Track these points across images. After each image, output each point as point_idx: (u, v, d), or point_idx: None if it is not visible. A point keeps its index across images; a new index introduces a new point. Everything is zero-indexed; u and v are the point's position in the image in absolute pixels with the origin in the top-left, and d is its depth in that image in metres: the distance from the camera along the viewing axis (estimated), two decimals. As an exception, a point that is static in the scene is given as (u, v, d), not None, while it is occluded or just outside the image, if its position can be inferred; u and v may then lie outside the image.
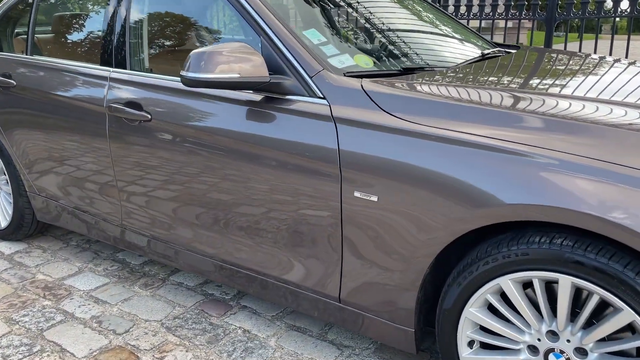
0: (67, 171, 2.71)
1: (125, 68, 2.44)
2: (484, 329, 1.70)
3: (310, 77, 1.89)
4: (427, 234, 1.64)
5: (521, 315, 1.60)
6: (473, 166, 1.55)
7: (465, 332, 1.69)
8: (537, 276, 1.51)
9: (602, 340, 1.51)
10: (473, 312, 1.65)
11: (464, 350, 1.71)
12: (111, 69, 2.47)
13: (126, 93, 2.36)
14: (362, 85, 1.83)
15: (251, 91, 2.01)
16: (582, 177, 1.41)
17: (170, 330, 2.35)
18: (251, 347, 2.23)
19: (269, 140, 1.92)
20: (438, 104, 1.70)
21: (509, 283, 1.56)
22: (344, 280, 1.90)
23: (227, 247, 2.20)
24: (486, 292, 1.61)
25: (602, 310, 1.52)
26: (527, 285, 1.59)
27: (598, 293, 1.42)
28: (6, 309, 2.52)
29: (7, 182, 3.14)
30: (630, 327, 1.47)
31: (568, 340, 1.53)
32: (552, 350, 1.56)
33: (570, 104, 1.65)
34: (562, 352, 1.54)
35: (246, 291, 2.26)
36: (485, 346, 1.73)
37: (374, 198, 1.71)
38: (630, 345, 1.44)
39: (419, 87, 1.82)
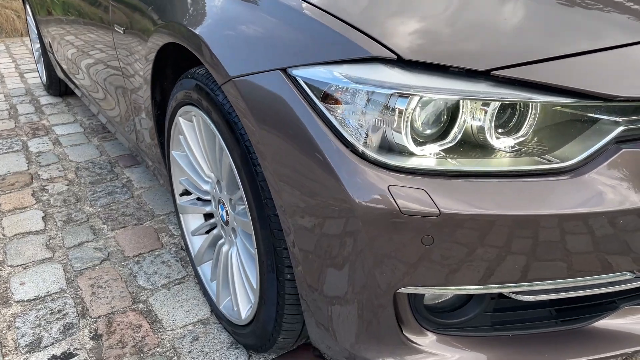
0: (56, 31, 3.05)
1: None
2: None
3: None
4: (142, 55, 1.54)
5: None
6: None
7: (177, 178, 1.58)
8: (194, 112, 1.34)
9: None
10: (173, 155, 1.53)
11: (178, 198, 1.61)
12: None
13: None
14: None
15: None
16: None
17: (77, 170, 2.59)
18: (115, 190, 2.36)
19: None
20: None
21: (179, 121, 1.41)
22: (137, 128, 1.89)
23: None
24: (175, 132, 1.48)
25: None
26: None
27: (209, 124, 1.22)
28: (-10, 137, 3.03)
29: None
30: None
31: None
32: (221, 201, 1.39)
33: None
34: (224, 203, 1.37)
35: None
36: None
37: (121, 30, 1.65)
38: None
39: None
